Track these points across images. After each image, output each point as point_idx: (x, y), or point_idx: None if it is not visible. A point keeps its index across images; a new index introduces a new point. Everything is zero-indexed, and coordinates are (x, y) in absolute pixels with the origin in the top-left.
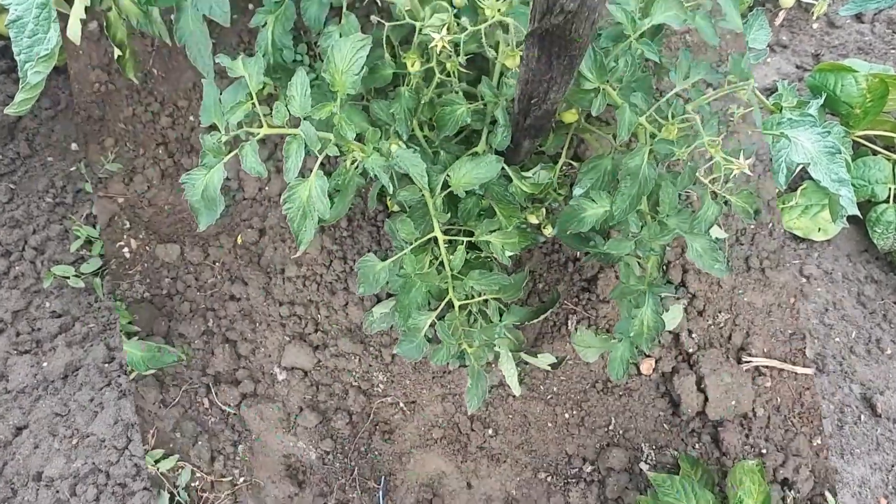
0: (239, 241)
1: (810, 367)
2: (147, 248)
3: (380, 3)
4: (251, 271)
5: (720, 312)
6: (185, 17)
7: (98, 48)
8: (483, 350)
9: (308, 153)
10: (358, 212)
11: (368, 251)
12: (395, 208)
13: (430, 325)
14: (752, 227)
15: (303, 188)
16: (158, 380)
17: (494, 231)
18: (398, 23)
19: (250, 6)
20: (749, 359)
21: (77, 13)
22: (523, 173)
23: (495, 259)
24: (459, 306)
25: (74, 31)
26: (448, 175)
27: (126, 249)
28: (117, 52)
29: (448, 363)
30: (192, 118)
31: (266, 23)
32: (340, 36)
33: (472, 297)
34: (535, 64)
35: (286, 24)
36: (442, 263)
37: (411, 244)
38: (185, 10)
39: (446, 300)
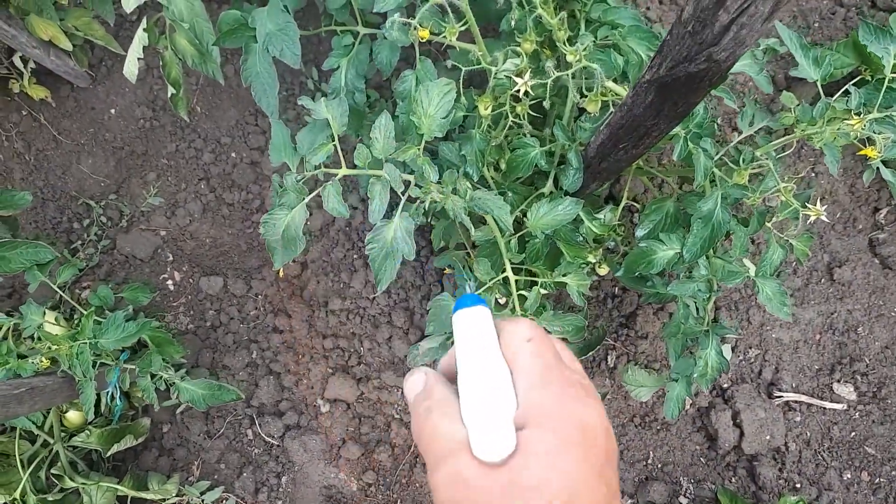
0: (281, 274)
1: (838, 403)
2: (191, 280)
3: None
4: (294, 304)
5: (750, 348)
6: (253, 58)
7: (143, 86)
8: None
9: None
10: None
11: (412, 286)
12: (441, 244)
13: None
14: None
15: (388, 229)
16: (203, 412)
17: (568, 273)
18: (474, 67)
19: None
20: (779, 394)
21: (135, 52)
22: (595, 214)
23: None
24: None
25: (131, 70)
26: (525, 217)
27: (170, 282)
28: (171, 90)
29: None
30: (233, 155)
31: (339, 66)
32: (417, 80)
33: None
34: (641, 110)
35: (359, 67)
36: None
37: (486, 284)
38: (254, 51)
39: None
